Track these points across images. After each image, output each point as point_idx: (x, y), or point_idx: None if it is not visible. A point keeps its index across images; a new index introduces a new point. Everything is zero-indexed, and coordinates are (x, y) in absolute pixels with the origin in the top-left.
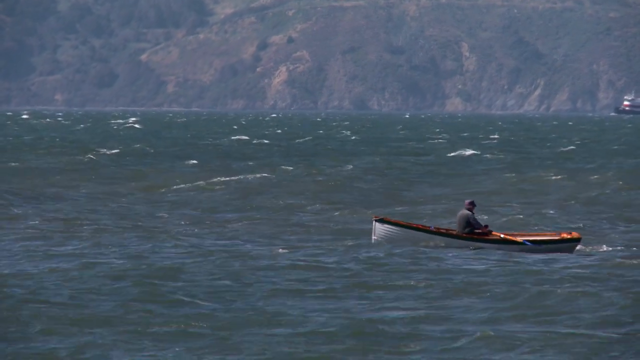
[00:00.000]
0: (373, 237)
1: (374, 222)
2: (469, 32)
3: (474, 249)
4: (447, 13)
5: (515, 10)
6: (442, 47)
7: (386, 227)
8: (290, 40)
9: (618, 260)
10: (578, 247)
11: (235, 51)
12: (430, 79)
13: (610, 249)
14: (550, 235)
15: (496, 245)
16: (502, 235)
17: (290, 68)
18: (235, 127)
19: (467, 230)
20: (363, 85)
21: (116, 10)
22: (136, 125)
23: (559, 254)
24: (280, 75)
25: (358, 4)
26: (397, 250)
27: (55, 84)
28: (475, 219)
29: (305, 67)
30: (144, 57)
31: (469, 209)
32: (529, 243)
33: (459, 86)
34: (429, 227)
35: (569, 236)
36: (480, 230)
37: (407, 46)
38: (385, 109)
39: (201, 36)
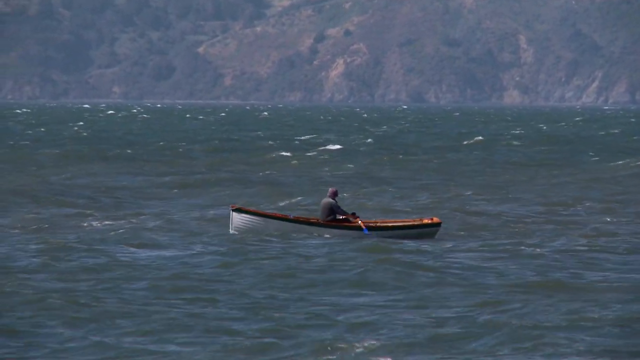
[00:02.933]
0: (231, 228)
1: (231, 212)
2: (526, 24)
3: (332, 237)
4: (504, 5)
5: (573, 2)
6: (500, 40)
7: (243, 216)
8: (347, 32)
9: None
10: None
11: (292, 44)
12: (488, 71)
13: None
14: (413, 221)
15: (354, 232)
16: (359, 222)
17: (348, 61)
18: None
19: (329, 218)
20: (420, 77)
21: (174, 2)
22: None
23: (420, 239)
24: (338, 68)
25: None
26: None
27: (113, 77)
28: (338, 207)
29: (362, 59)
30: (201, 49)
31: (331, 197)
32: (366, 230)
33: (517, 78)
34: (288, 215)
35: (429, 221)
36: (343, 217)
37: (464, 38)
38: (442, 101)
39: (258, 29)
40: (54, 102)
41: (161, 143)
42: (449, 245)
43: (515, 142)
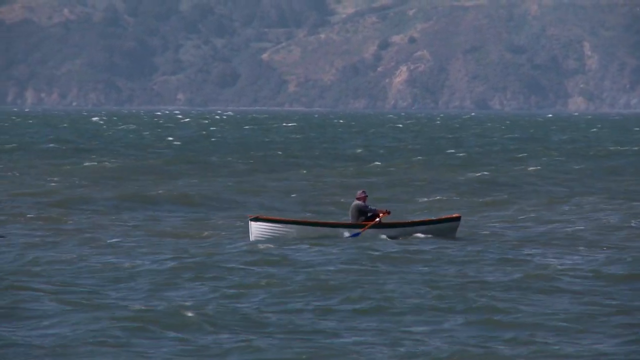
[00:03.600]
0: (251, 237)
1: (249, 222)
2: (591, 31)
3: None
4: (569, 12)
5: (638, 9)
6: (564, 46)
7: (262, 225)
8: (412, 39)
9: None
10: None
11: (356, 51)
12: (552, 78)
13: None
14: (430, 218)
15: (375, 230)
16: (378, 220)
17: (411, 67)
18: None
19: (361, 219)
20: (484, 84)
21: (238, 10)
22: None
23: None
24: (401, 75)
25: (479, 4)
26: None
27: (177, 84)
28: (366, 206)
29: (426, 66)
30: (265, 56)
31: (360, 199)
32: (358, 234)
33: (581, 85)
34: (307, 219)
35: (448, 217)
36: (373, 213)
37: (529, 45)
38: (507, 108)
39: (322, 36)
40: (124, 109)
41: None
42: None
43: None
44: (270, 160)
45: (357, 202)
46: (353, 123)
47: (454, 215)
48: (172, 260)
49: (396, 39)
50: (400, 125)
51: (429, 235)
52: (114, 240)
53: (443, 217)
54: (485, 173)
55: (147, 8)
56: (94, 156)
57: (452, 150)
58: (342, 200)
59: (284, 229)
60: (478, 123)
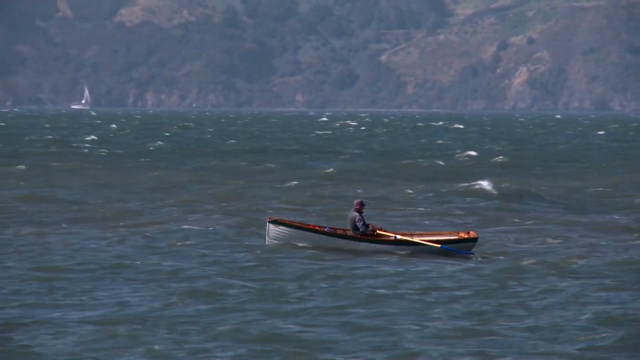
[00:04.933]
0: (267, 239)
1: (267, 223)
2: None
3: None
4: None
5: None
6: None
7: (281, 228)
8: (531, 40)
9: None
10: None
11: (475, 52)
12: None
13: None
14: (448, 234)
15: (392, 247)
16: (397, 236)
17: (531, 69)
18: None
19: (357, 232)
20: (604, 85)
21: (357, 11)
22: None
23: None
24: (521, 76)
25: (599, 4)
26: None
27: (296, 85)
28: (360, 220)
29: (546, 67)
30: (383, 57)
31: (357, 210)
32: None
33: None
34: (324, 227)
35: (466, 236)
36: (362, 232)
37: None
38: (627, 109)
39: (441, 37)
40: (245, 110)
41: None
42: None
43: None
44: None
45: (354, 213)
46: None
47: (471, 235)
48: None
49: (515, 40)
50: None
51: (443, 254)
52: None
53: (460, 236)
54: None
55: (266, 9)
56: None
57: None
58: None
59: (300, 235)
60: None
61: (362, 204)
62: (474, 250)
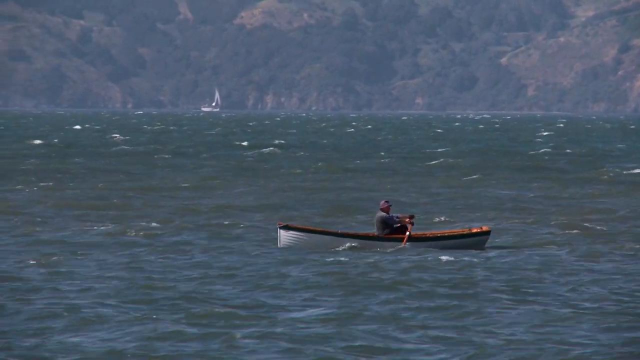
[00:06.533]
0: (280, 245)
1: (278, 229)
2: None
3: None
4: None
5: None
6: None
7: (291, 233)
8: None
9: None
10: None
11: (596, 54)
12: None
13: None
14: (460, 231)
15: (406, 244)
16: (408, 234)
17: None
18: None
19: (386, 231)
20: None
21: (477, 13)
22: None
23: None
24: None
25: None
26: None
27: (415, 88)
28: (390, 217)
29: None
30: (504, 60)
31: (384, 209)
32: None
33: None
34: (336, 230)
35: (478, 230)
36: (399, 224)
37: None
38: None
39: (561, 39)
40: (362, 113)
41: None
42: None
43: None
44: None
45: (381, 213)
46: None
47: (484, 229)
48: None
49: (637, 42)
50: None
51: (458, 248)
52: None
53: (473, 230)
54: None
55: (386, 12)
56: None
57: None
58: None
59: (312, 239)
60: None
61: (388, 204)
62: (487, 243)
